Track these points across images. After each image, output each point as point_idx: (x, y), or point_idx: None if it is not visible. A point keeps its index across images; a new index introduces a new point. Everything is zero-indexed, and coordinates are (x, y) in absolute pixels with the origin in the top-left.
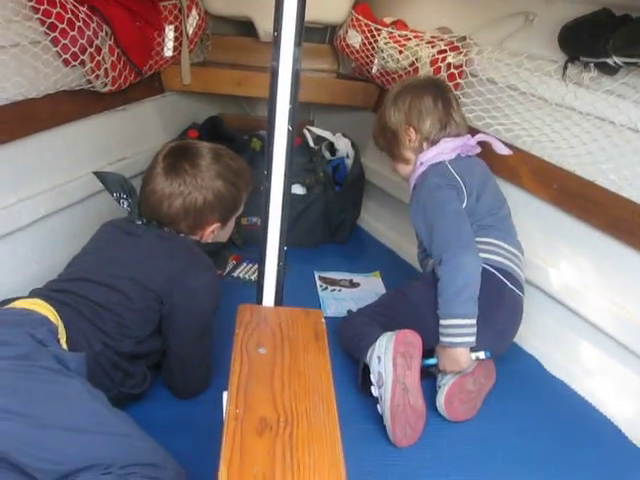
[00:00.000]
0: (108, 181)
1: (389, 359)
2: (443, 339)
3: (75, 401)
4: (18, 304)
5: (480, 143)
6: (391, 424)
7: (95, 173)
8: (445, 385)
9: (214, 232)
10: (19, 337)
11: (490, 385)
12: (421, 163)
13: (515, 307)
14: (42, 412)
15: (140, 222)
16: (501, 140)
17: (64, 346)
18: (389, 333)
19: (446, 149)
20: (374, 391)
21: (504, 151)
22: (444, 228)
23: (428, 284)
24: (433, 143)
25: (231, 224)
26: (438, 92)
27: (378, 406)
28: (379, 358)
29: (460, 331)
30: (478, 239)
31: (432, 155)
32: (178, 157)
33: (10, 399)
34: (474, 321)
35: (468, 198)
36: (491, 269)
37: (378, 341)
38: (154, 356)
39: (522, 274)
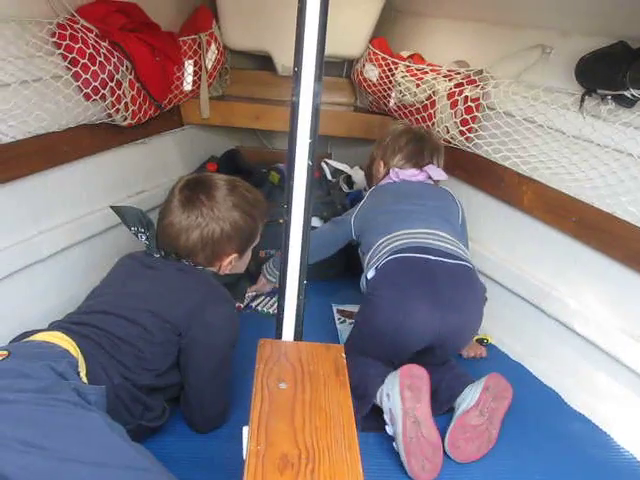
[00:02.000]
0: (126, 215)
1: (397, 393)
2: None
3: (95, 434)
4: (39, 337)
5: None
6: (406, 458)
7: (112, 207)
8: (448, 427)
9: (231, 263)
10: (40, 370)
11: (505, 404)
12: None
13: (454, 275)
14: (62, 445)
15: (158, 255)
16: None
17: (84, 379)
18: (395, 371)
19: (392, 176)
20: (389, 430)
21: (440, 177)
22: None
23: (364, 303)
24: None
25: (248, 255)
26: (415, 137)
27: (394, 444)
28: (388, 395)
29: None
30: (390, 234)
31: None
32: (194, 189)
33: (30, 432)
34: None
35: (367, 210)
36: (404, 254)
37: (386, 380)
38: (173, 389)
39: (452, 247)
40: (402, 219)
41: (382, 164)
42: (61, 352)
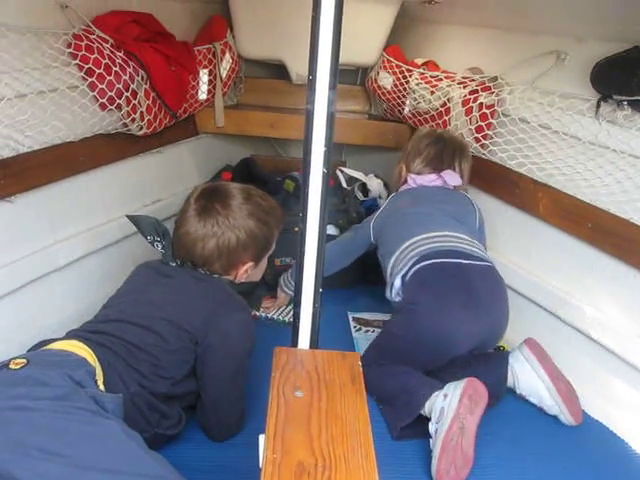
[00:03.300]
0: (141, 224)
1: (457, 396)
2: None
3: (112, 442)
4: (57, 346)
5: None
6: (439, 454)
7: (128, 216)
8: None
9: (247, 272)
10: (57, 378)
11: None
12: None
13: (485, 276)
14: (80, 453)
15: (174, 264)
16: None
17: (101, 387)
18: (459, 380)
19: (410, 183)
20: (431, 427)
21: (455, 182)
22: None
23: (402, 312)
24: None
25: (264, 263)
26: (435, 140)
27: (431, 441)
28: (445, 396)
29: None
30: (412, 239)
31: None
32: (210, 199)
33: (48, 439)
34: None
35: (386, 215)
36: (436, 260)
37: (448, 384)
38: (189, 397)
39: (474, 249)
40: (422, 222)
41: (404, 168)
42: (78, 360)
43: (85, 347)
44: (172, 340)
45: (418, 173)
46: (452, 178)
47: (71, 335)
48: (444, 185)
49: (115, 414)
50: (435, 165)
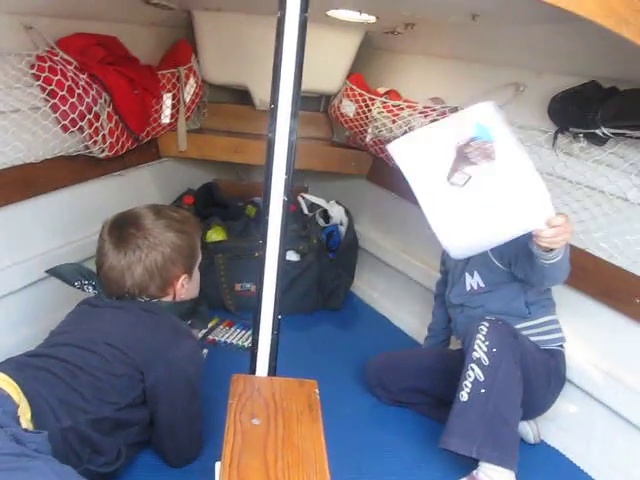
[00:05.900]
0: (64, 274)
1: None
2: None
3: None
4: None
5: None
6: None
7: (48, 271)
8: None
9: (184, 286)
10: None
11: None
12: None
13: None
14: None
15: (109, 300)
16: None
17: (27, 424)
18: None
19: None
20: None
21: None
22: None
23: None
24: None
25: (197, 275)
26: None
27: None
28: None
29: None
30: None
31: None
32: (122, 227)
33: None
34: None
35: None
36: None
37: None
38: (137, 429)
39: None
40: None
41: None
42: None
43: (10, 380)
44: (116, 364)
45: None
46: None
47: (8, 362)
48: None
49: (41, 451)
50: None
